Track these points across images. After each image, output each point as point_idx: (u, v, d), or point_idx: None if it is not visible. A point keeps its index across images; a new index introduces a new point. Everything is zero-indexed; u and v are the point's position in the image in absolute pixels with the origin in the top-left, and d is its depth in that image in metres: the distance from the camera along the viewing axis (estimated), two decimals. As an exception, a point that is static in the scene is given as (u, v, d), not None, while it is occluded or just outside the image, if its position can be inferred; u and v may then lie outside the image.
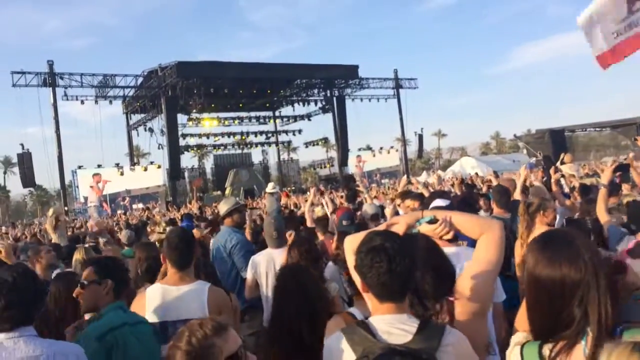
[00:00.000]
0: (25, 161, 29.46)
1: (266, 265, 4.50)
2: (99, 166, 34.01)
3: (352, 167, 42.09)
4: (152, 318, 3.14)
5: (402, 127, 43.57)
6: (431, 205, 3.59)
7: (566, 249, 1.71)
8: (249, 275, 4.62)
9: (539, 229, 4.21)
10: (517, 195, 6.41)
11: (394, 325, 1.84)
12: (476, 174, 22.55)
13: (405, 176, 11.47)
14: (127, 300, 3.17)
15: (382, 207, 8.29)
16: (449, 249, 3.00)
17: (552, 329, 1.69)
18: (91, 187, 32.72)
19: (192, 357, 1.74)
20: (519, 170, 7.70)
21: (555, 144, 31.40)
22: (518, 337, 1.84)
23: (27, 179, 29.96)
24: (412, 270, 1.88)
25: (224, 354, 1.75)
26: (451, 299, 2.08)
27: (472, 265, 2.12)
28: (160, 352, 2.79)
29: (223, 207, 5.40)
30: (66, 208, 31.23)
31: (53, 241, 7.12)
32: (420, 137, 43.47)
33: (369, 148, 46.92)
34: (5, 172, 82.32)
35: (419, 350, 1.72)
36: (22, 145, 29.12)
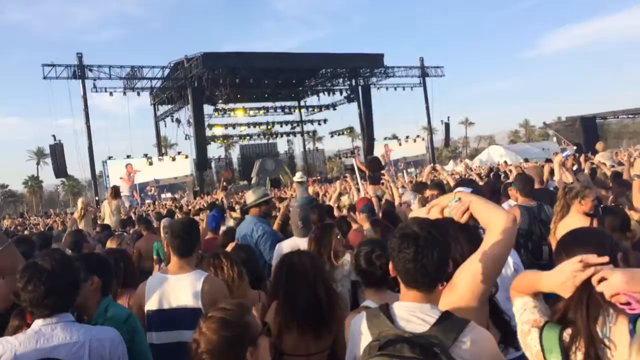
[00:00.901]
0: (57, 152, 30.12)
1: (291, 253, 4.51)
2: (128, 157, 34.56)
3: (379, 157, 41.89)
4: (150, 305, 3.20)
5: (428, 116, 43.15)
6: (454, 191, 3.55)
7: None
8: (274, 263, 4.63)
9: (574, 216, 4.14)
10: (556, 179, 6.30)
11: (414, 314, 1.83)
12: (505, 162, 22.21)
13: (430, 165, 11.36)
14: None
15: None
16: None
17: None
18: (121, 178, 33.26)
19: (229, 326, 1.86)
20: (555, 158, 7.56)
21: (586, 131, 30.66)
22: (522, 304, 1.89)
23: (59, 169, 30.64)
24: (442, 263, 1.86)
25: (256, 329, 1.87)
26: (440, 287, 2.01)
27: (472, 257, 2.04)
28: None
29: (251, 197, 5.39)
30: (97, 198, 31.87)
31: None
32: (447, 126, 42.99)
33: (394, 137, 46.59)
34: (38, 163, 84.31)
35: (431, 342, 1.68)
36: (54, 136, 29.82)
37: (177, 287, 3.20)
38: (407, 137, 44.90)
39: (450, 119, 43.38)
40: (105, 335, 2.40)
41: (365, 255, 2.74)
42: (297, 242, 4.57)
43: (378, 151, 41.21)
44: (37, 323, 2.29)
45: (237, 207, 10.97)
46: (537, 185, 6.20)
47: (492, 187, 6.12)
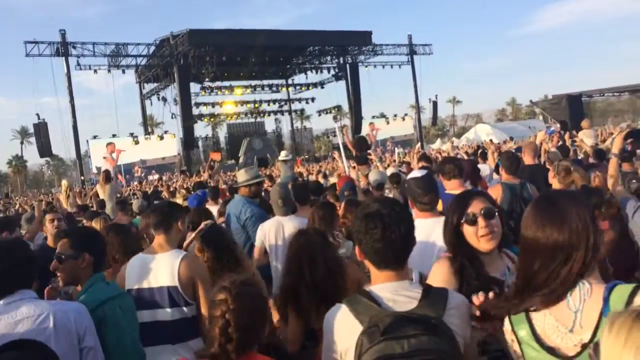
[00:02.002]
0: (41, 131, 29.69)
1: (275, 233, 4.51)
2: (114, 136, 34.23)
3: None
4: (129, 285, 3.21)
5: (416, 94, 43.03)
6: (409, 176, 3.59)
7: (553, 211, 1.66)
8: (257, 242, 4.63)
9: None
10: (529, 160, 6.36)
11: (397, 293, 1.83)
12: (490, 140, 22.32)
13: (419, 145, 11.39)
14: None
15: (398, 175, 8.26)
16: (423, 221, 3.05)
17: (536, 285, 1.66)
18: (104, 157, 32.94)
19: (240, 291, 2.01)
20: (537, 135, 7.60)
21: (572, 109, 30.83)
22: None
23: (44, 148, 30.24)
24: (409, 238, 1.87)
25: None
26: None
27: None
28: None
29: (243, 176, 5.33)
30: (82, 178, 31.58)
31: (66, 210, 7.25)
32: (435, 104, 42.94)
33: (382, 116, 46.52)
34: (22, 143, 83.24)
35: (427, 315, 1.71)
36: (37, 115, 29.32)
37: (156, 267, 3.20)
38: (395, 115, 44.88)
39: (438, 97, 43.36)
40: (70, 307, 2.41)
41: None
42: (281, 221, 4.57)
43: (365, 130, 41.20)
44: (1, 303, 2.31)
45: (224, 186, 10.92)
46: (531, 161, 6.26)
47: (474, 165, 6.13)
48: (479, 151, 11.80)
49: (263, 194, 6.53)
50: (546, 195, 1.85)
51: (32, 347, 1.81)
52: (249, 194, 5.21)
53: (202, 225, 3.78)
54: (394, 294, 1.83)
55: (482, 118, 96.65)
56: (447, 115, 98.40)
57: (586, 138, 10.75)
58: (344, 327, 1.81)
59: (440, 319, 1.73)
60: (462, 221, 2.22)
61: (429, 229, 2.97)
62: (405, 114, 45.97)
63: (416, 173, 3.48)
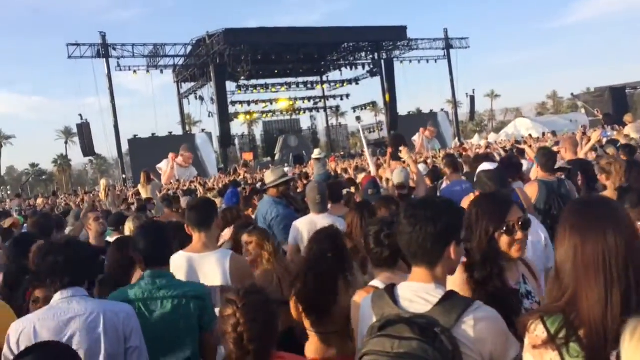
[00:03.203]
0: (84, 131, 30.62)
1: (308, 231, 4.51)
2: (153, 135, 34.84)
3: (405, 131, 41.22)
4: None
5: (453, 89, 42.51)
6: (479, 169, 3.52)
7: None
8: (290, 240, 4.67)
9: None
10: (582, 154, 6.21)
11: (417, 294, 1.83)
12: (530, 135, 21.82)
13: (457, 139, 11.22)
14: None
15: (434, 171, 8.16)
16: None
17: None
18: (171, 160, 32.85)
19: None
20: (593, 134, 7.39)
21: (615, 102, 29.86)
22: None
23: (87, 148, 31.18)
24: (440, 237, 1.83)
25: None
26: None
27: None
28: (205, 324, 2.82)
29: (270, 177, 5.37)
30: (124, 176, 32.39)
31: (105, 209, 7.45)
32: (472, 99, 42.28)
33: (418, 111, 46.05)
34: (66, 142, 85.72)
35: (432, 322, 1.66)
36: (80, 115, 30.27)
37: (205, 266, 3.21)
38: (431, 110, 44.33)
39: (475, 91, 42.74)
40: (120, 308, 2.49)
41: (374, 235, 2.67)
42: (314, 219, 4.57)
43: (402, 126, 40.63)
44: (55, 298, 2.41)
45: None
46: (571, 157, 6.11)
47: (510, 160, 5.97)
48: (514, 148, 11.56)
49: (299, 190, 6.54)
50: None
51: (53, 348, 1.87)
52: (276, 195, 5.24)
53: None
54: (414, 294, 1.84)
55: (522, 112, 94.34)
56: (485, 110, 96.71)
57: (633, 133, 10.40)
58: (366, 317, 1.96)
59: (449, 329, 1.67)
60: (501, 230, 2.21)
61: None
62: (442, 109, 45.22)
63: (487, 165, 3.43)
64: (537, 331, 1.59)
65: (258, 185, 10.51)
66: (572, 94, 42.07)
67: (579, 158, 6.33)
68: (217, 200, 6.86)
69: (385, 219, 2.92)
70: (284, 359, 2.07)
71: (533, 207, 4.27)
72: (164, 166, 27.62)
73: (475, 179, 3.72)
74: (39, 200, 18.79)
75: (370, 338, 1.69)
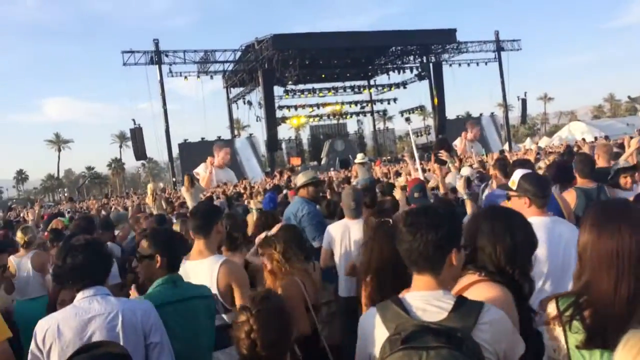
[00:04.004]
0: (137, 135, 31.68)
1: (341, 235, 4.52)
2: (202, 139, 35.60)
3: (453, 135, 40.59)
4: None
5: (504, 92, 41.46)
6: (513, 176, 3.41)
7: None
8: (324, 244, 4.68)
9: None
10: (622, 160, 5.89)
11: (429, 302, 1.80)
12: (583, 139, 21.04)
13: (507, 145, 10.91)
14: None
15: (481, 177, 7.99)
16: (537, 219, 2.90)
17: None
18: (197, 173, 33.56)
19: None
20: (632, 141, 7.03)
21: (678, 105, 28.38)
22: None
23: (139, 152, 32.23)
24: (441, 245, 1.80)
25: None
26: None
27: None
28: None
29: (300, 179, 5.47)
30: (174, 179, 33.22)
31: (152, 212, 7.65)
32: (524, 102, 41.16)
33: (468, 115, 45.18)
34: (120, 146, 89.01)
35: (453, 328, 1.65)
36: (133, 120, 31.36)
37: (197, 274, 3.22)
38: (481, 114, 43.41)
39: (527, 94, 41.57)
40: (138, 306, 2.55)
41: None
42: (348, 224, 4.57)
43: (450, 130, 39.93)
44: (77, 297, 2.49)
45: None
46: (603, 164, 5.80)
47: (560, 166, 5.72)
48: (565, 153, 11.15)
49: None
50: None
51: (108, 347, 1.92)
52: (307, 196, 5.28)
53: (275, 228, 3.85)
54: (425, 303, 1.80)
55: (577, 115, 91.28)
56: (538, 114, 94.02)
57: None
58: (373, 332, 1.86)
59: (468, 333, 1.67)
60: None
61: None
62: (492, 113, 44.20)
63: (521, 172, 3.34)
64: (549, 309, 1.82)
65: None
66: (628, 97, 40.42)
67: (607, 167, 5.97)
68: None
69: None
70: None
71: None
72: (201, 171, 28.00)
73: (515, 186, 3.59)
74: (90, 202, 19.49)
75: (394, 352, 1.64)
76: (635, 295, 1.65)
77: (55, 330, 2.37)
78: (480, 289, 2.05)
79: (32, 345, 2.38)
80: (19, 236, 5.54)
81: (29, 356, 2.38)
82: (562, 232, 2.95)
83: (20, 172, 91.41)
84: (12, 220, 15.36)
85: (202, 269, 3.24)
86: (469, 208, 4.40)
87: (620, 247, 1.69)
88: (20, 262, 5.36)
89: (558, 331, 1.77)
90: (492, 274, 2.10)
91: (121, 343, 2.38)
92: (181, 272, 3.24)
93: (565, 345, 1.75)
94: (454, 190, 6.22)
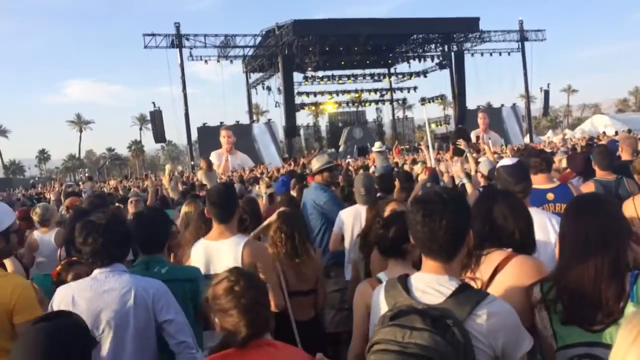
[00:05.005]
0: (156, 118, 31.98)
1: (352, 221, 4.57)
2: (221, 124, 35.74)
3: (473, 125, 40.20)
4: None
5: (526, 83, 40.90)
6: (499, 164, 3.46)
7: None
8: (335, 228, 4.74)
9: None
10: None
11: (430, 285, 1.81)
12: (603, 133, 20.68)
13: (528, 137, 10.79)
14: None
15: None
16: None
17: None
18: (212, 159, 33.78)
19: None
20: None
21: None
22: None
23: (159, 135, 32.54)
24: (454, 230, 1.80)
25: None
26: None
27: None
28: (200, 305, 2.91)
29: (315, 164, 5.48)
30: (192, 163, 33.50)
31: (168, 193, 7.76)
32: (547, 93, 40.60)
33: (489, 105, 44.65)
34: (140, 129, 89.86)
35: (445, 314, 1.64)
36: (153, 103, 31.66)
37: (220, 253, 3.29)
38: (502, 105, 42.88)
39: (550, 86, 40.98)
40: (151, 285, 2.60)
41: (378, 225, 2.86)
42: (359, 210, 4.60)
43: (471, 119, 39.58)
44: (95, 272, 2.56)
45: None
46: (627, 157, 5.72)
47: (587, 159, 5.63)
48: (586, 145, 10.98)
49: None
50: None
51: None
52: (322, 181, 5.32)
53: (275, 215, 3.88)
54: (427, 285, 1.82)
55: (601, 108, 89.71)
56: (561, 106, 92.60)
57: None
58: (378, 305, 1.95)
59: (461, 321, 1.66)
60: None
61: None
62: (514, 104, 43.63)
63: (507, 161, 3.34)
64: (535, 292, 2.05)
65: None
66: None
67: (629, 160, 5.88)
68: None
69: (394, 212, 3.04)
70: (275, 346, 1.96)
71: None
72: (214, 160, 28.14)
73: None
74: (111, 182, 19.76)
75: (382, 327, 1.68)
76: (601, 274, 1.90)
77: (71, 300, 2.46)
78: (521, 262, 2.19)
79: (48, 311, 2.46)
80: (33, 213, 5.69)
81: None
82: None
83: (42, 152, 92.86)
84: (34, 196, 15.67)
85: (225, 249, 3.28)
86: (469, 189, 4.59)
87: (589, 233, 1.96)
88: (43, 238, 5.50)
89: (544, 314, 2.01)
90: (521, 249, 2.26)
91: (131, 318, 2.45)
92: (201, 251, 3.35)
93: (550, 324, 1.99)
94: (489, 177, 6.10)
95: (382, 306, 1.88)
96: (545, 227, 2.88)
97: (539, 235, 2.51)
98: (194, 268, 3.11)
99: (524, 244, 2.29)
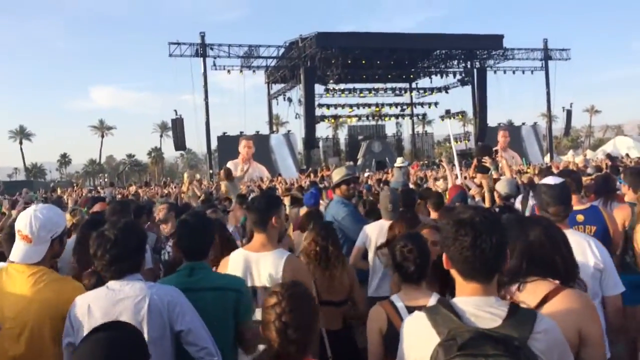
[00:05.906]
0: (178, 126, 32.27)
1: (377, 236, 4.50)
2: (241, 133, 35.94)
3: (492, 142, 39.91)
4: None
5: (549, 102, 40.58)
6: (542, 181, 3.32)
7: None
8: (358, 243, 4.67)
9: None
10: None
11: (481, 308, 1.72)
12: (627, 155, 20.32)
13: (548, 156, 10.64)
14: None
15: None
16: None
17: None
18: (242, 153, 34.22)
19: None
20: None
21: None
22: None
23: (179, 142, 32.82)
24: (501, 250, 1.74)
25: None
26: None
27: None
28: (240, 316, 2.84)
29: (335, 177, 5.41)
30: (211, 171, 33.66)
31: (185, 201, 7.74)
32: (569, 113, 40.18)
33: (510, 123, 44.30)
34: (161, 136, 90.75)
35: (510, 336, 1.59)
36: (175, 111, 31.98)
37: (260, 266, 3.22)
38: (523, 123, 42.50)
39: (573, 105, 40.56)
40: (166, 292, 2.54)
41: (399, 250, 2.79)
42: (384, 225, 4.52)
43: (491, 137, 39.29)
44: (111, 281, 2.52)
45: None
46: None
47: (606, 179, 5.49)
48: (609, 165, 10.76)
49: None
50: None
51: (123, 329, 1.88)
52: (342, 194, 5.24)
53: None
54: (478, 309, 1.72)
55: (624, 130, 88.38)
56: (583, 126, 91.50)
57: None
58: (421, 336, 1.77)
59: (525, 342, 1.61)
60: None
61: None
62: (535, 123, 43.22)
63: (550, 180, 3.16)
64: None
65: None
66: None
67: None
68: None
69: (410, 233, 2.98)
70: None
71: (624, 232, 3.94)
72: (233, 169, 28.24)
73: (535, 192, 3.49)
74: (132, 188, 19.92)
75: (449, 358, 1.59)
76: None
77: (86, 309, 2.43)
78: (568, 297, 2.11)
79: (67, 321, 2.46)
80: (68, 218, 5.62)
81: (64, 331, 2.46)
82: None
83: (64, 156, 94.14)
84: (53, 200, 15.82)
85: (267, 262, 3.22)
86: None
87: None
88: (68, 243, 5.45)
89: None
90: (568, 281, 2.20)
91: (145, 326, 2.39)
92: (240, 260, 3.27)
93: None
94: (507, 197, 5.99)
95: (431, 336, 1.72)
96: (584, 249, 2.77)
97: (578, 257, 2.42)
98: (239, 278, 3.04)
99: (568, 271, 2.24)
